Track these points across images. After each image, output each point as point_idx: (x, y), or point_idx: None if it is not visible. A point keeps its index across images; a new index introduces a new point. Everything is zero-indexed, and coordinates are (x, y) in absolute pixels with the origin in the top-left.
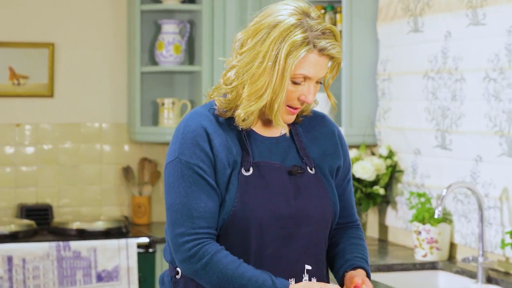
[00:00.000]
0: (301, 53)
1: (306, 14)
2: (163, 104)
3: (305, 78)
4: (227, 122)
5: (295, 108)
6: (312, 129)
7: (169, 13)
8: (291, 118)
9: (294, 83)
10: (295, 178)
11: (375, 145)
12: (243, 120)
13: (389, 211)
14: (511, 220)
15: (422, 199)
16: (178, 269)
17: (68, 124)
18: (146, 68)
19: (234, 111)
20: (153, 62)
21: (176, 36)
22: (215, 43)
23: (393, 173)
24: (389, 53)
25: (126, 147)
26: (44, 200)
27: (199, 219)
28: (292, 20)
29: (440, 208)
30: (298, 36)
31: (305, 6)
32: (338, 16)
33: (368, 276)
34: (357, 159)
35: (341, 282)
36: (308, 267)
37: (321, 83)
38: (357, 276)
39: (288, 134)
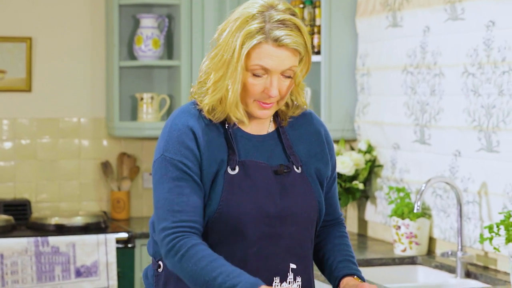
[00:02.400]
0: (252, 41)
1: (272, 7)
2: (142, 99)
3: (266, 70)
4: (215, 121)
5: (265, 103)
6: (299, 127)
7: (148, 7)
8: (265, 113)
9: (254, 75)
10: (281, 177)
11: (354, 140)
12: (209, 113)
13: (369, 206)
14: (490, 214)
15: (401, 194)
16: (160, 262)
17: (46, 119)
18: (125, 62)
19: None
20: (132, 56)
21: (154, 31)
22: (193, 38)
23: (372, 168)
24: (368, 48)
25: (105, 142)
26: (22, 195)
27: (180, 213)
28: (253, 11)
29: (419, 203)
30: (253, 26)
31: (275, 0)
32: (317, 10)
33: (359, 277)
34: (336, 154)
35: (336, 286)
36: (293, 266)
37: (291, 77)
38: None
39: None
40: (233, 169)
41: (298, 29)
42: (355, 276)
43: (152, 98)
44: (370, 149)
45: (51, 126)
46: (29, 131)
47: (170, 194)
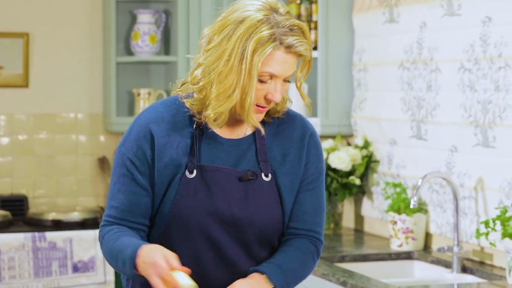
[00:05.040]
0: (267, 50)
1: (273, 10)
2: (138, 94)
3: (272, 76)
4: (184, 121)
5: (263, 107)
6: (280, 132)
7: (145, 3)
8: (259, 117)
9: (260, 81)
10: (245, 184)
11: (351, 136)
12: (214, 120)
13: (365, 201)
14: (486, 210)
15: (398, 189)
16: None
17: (43, 115)
18: (122, 58)
19: (205, 111)
20: (129, 52)
21: (151, 26)
22: (190, 33)
23: (369, 163)
24: (365, 44)
25: (102, 138)
26: (20, 191)
27: (113, 208)
28: (259, 15)
29: (415, 198)
30: (264, 32)
31: (273, 2)
32: (314, 6)
33: (270, 276)
34: (333, 149)
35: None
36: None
37: (289, 81)
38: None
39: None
40: (191, 172)
41: (304, 33)
42: (264, 275)
43: (149, 93)
44: (366, 145)
45: (48, 121)
46: (26, 127)
47: (114, 187)
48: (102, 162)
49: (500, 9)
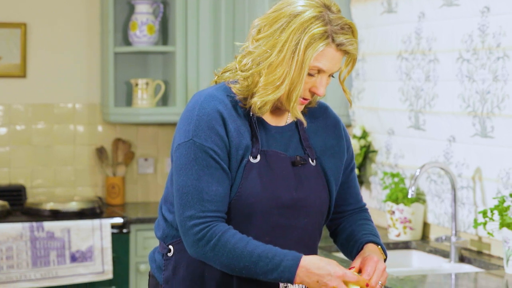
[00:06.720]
0: (320, 46)
1: (327, 7)
2: (136, 84)
3: (319, 70)
4: (239, 108)
5: (306, 99)
6: (315, 120)
7: None
8: (301, 108)
9: (309, 74)
10: (297, 169)
11: (349, 126)
12: (259, 108)
13: (363, 191)
14: (484, 199)
15: (396, 179)
16: (170, 246)
17: (41, 105)
18: (120, 48)
19: (250, 98)
20: (127, 42)
21: (149, 16)
22: (188, 23)
23: (367, 153)
24: (363, 34)
25: (100, 128)
26: (17, 180)
27: (209, 202)
28: (314, 11)
29: (413, 188)
30: (318, 28)
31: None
32: None
33: (383, 248)
34: None
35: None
36: None
37: (333, 76)
38: (362, 254)
39: (290, 123)
40: (255, 157)
41: (353, 33)
42: (379, 247)
43: (147, 84)
44: (365, 135)
45: (46, 112)
46: (24, 117)
47: (200, 182)
48: (100, 152)
49: None
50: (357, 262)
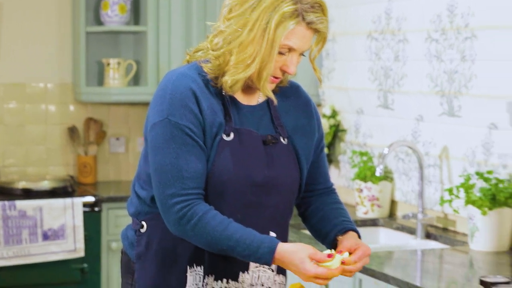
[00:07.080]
0: (290, 24)
1: None
2: (108, 64)
3: (290, 49)
4: (211, 87)
5: (277, 78)
6: (286, 99)
7: None
8: (272, 87)
9: (279, 53)
10: (269, 148)
11: (319, 105)
12: (230, 87)
13: (332, 169)
14: (450, 177)
15: (364, 158)
16: (143, 222)
17: (13, 84)
18: (91, 28)
19: (221, 77)
20: (98, 22)
21: None
22: (160, 3)
23: (336, 132)
24: (334, 13)
25: (72, 107)
26: None
27: (189, 179)
28: None
29: (381, 167)
30: (289, 7)
31: None
32: None
33: (359, 235)
34: None
35: (332, 246)
36: (272, 234)
37: (304, 55)
38: (350, 240)
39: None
40: (228, 135)
41: (323, 11)
42: (356, 233)
43: (118, 63)
44: (334, 114)
45: (18, 91)
46: None
47: (178, 160)
48: (72, 131)
49: None
50: (344, 246)
